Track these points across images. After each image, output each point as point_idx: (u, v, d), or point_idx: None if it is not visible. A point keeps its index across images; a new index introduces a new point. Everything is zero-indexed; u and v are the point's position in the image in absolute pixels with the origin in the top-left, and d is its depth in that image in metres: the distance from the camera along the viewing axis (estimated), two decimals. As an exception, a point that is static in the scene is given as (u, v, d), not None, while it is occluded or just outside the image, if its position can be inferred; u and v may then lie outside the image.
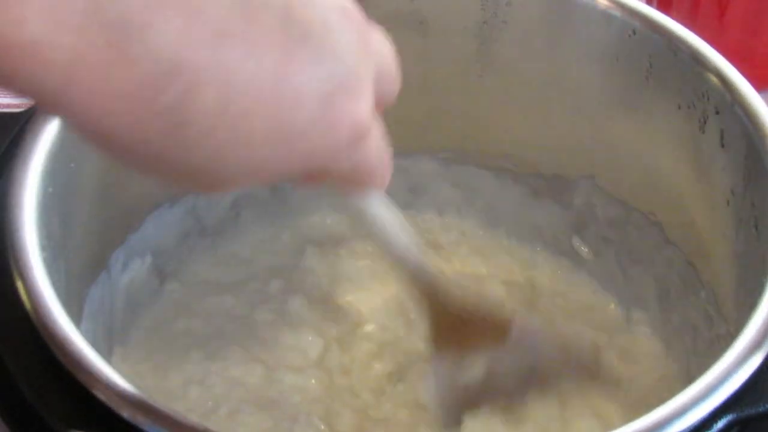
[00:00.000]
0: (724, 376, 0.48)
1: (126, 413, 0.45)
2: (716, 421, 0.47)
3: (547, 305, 0.73)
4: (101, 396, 0.46)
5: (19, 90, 0.33)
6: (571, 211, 0.75)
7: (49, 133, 0.57)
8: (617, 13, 0.66)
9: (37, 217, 0.53)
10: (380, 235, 0.54)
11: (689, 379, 0.65)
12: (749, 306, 0.54)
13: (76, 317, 0.58)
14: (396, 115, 0.73)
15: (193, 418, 0.46)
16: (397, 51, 0.70)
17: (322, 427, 0.64)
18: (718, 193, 0.63)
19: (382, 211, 0.53)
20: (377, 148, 0.45)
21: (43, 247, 0.52)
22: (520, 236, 0.78)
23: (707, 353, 0.65)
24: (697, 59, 0.63)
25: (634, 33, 0.66)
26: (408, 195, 0.78)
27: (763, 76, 0.71)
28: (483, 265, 0.76)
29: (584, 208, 0.75)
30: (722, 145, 0.62)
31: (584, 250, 0.76)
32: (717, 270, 0.64)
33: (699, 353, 0.67)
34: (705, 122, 0.63)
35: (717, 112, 0.62)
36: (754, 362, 0.48)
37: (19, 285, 0.51)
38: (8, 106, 0.87)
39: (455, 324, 0.58)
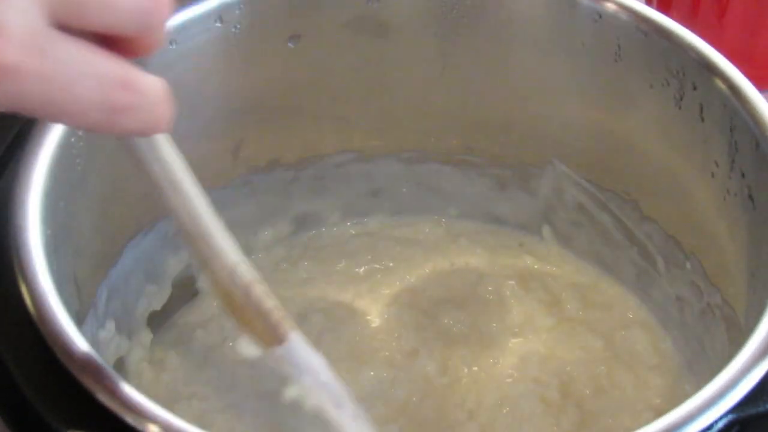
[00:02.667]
0: (732, 384, 0.48)
1: (130, 418, 0.45)
2: (717, 422, 0.47)
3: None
4: (105, 400, 0.46)
5: None
6: (539, 199, 0.76)
7: (53, 135, 0.56)
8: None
9: (41, 217, 0.52)
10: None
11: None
12: (758, 290, 0.55)
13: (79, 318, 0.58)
14: (356, 117, 0.74)
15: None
16: (356, 55, 0.71)
17: None
18: (699, 166, 0.64)
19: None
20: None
21: (47, 249, 0.52)
22: (489, 229, 0.78)
23: (698, 325, 0.67)
24: (670, 38, 0.64)
25: (600, 17, 0.66)
26: (372, 198, 0.78)
27: (763, 76, 0.71)
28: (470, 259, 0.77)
29: (552, 195, 0.75)
30: (702, 119, 0.63)
31: (555, 237, 0.77)
32: (705, 241, 0.66)
33: (688, 325, 0.68)
34: (681, 98, 0.64)
35: (695, 88, 0.63)
36: (762, 368, 0.49)
37: (23, 287, 0.50)
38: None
39: (234, 306, 0.52)
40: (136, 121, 0.40)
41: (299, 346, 0.52)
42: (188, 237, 0.51)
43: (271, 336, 0.51)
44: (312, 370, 0.52)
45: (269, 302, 0.52)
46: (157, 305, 0.70)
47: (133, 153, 0.47)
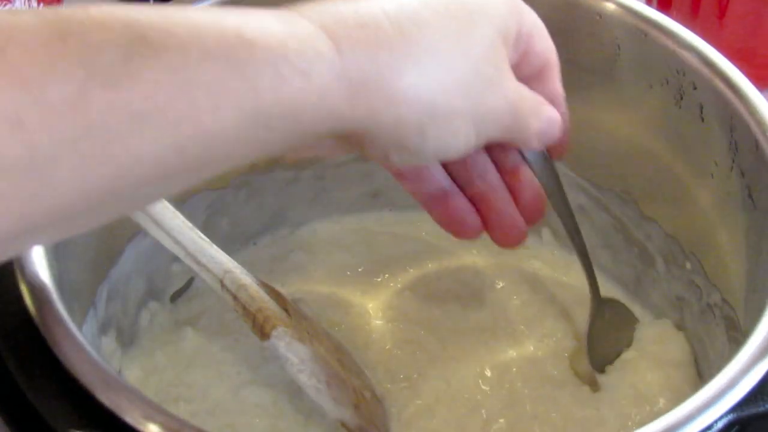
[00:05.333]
0: (732, 384, 0.48)
1: (129, 418, 0.45)
2: (717, 421, 0.47)
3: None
4: (105, 400, 0.46)
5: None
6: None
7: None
8: (581, -2, 0.67)
9: None
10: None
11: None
12: (758, 290, 0.55)
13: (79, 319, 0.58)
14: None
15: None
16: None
17: None
18: (699, 166, 0.64)
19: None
20: None
21: (47, 249, 0.52)
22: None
23: (698, 325, 0.67)
24: (670, 38, 0.64)
25: (600, 17, 0.66)
26: (371, 198, 0.78)
27: (763, 76, 0.71)
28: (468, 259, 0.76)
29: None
30: (702, 119, 0.63)
31: (555, 238, 0.76)
32: (705, 241, 0.66)
33: (688, 325, 0.68)
34: (681, 98, 0.64)
35: (695, 88, 0.63)
36: (762, 368, 0.49)
37: (23, 287, 0.50)
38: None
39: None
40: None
41: (280, 344, 0.60)
42: (178, 255, 0.60)
43: (259, 333, 0.60)
44: (292, 361, 0.59)
45: (254, 306, 0.60)
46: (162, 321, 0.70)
47: None
